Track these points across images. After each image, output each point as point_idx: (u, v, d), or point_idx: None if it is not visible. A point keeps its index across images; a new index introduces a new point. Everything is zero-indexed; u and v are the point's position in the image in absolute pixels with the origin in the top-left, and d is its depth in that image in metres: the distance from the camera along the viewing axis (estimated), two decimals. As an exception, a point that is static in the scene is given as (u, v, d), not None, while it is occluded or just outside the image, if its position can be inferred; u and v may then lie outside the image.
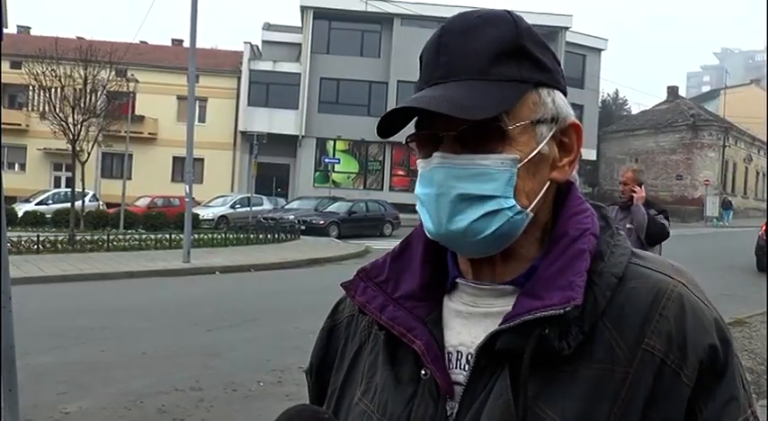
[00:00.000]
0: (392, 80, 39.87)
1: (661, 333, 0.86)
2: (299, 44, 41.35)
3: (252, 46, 41.68)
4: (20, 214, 26.59)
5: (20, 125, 38.05)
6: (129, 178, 31.50)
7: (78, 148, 21.67)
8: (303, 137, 39.54)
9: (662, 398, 0.85)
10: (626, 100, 68.66)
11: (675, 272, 0.94)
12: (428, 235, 0.95)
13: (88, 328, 9.27)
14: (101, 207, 30.46)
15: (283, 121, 39.13)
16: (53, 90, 22.58)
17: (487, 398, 0.88)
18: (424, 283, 0.99)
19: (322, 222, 26.93)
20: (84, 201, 25.49)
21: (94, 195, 32.30)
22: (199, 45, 18.61)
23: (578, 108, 44.32)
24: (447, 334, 0.96)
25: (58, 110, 21.81)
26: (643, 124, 51.26)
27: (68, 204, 23.49)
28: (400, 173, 41.61)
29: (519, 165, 0.90)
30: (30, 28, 43.23)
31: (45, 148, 38.03)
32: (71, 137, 21.35)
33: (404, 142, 0.97)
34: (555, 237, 0.93)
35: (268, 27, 45.43)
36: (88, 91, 22.61)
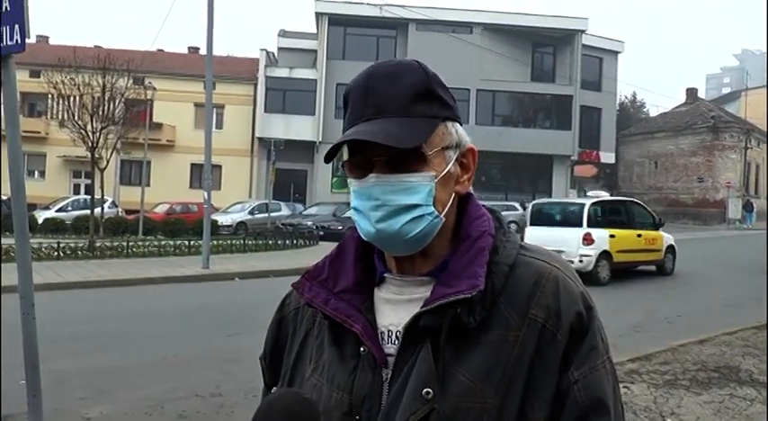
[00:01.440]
0: (408, 85, 39.91)
1: (542, 305, 1.14)
2: (315, 51, 41.46)
3: (268, 53, 41.85)
4: (40, 221, 26.80)
5: (39, 133, 38.45)
6: (148, 185, 31.72)
7: (97, 156, 21.82)
8: (320, 142, 39.60)
9: (544, 353, 1.12)
10: (644, 102, 68.17)
11: (553, 259, 1.21)
12: (365, 238, 1.18)
13: (108, 334, 9.30)
14: (120, 214, 30.66)
15: (300, 128, 39.23)
16: (72, 98, 22.76)
17: (414, 365, 1.12)
18: (358, 279, 1.22)
19: (340, 228, 26.85)
20: (103, 208, 25.64)
21: (113, 202, 32.49)
22: (215, 52, 18.71)
23: (596, 111, 44.08)
24: (378, 317, 1.20)
25: (76, 118, 21.98)
26: (662, 126, 50.86)
27: (88, 211, 23.66)
28: (417, 178, 41.65)
29: (435, 181, 1.15)
30: (48, 37, 43.67)
31: (64, 156, 38.37)
32: (90, 144, 21.51)
33: (340, 167, 1.22)
34: (461, 238, 1.19)
35: (284, 34, 45.62)
36: (106, 99, 22.77)
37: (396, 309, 1.19)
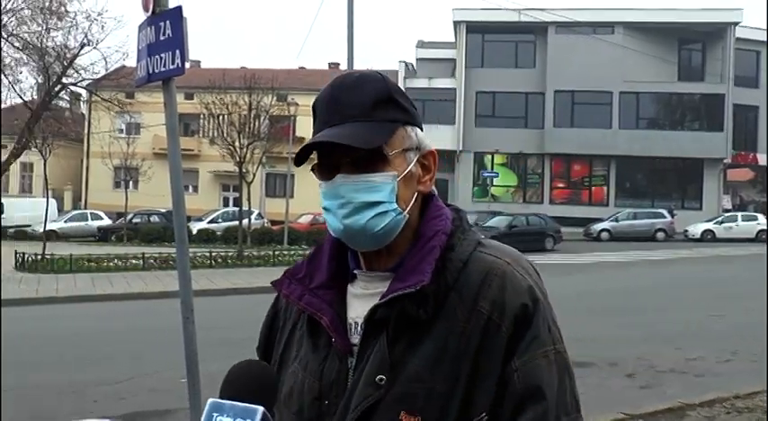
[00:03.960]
0: (549, 90, 39.03)
1: (488, 298, 1.22)
2: (454, 59, 41.51)
3: (406, 64, 42.34)
4: (194, 232, 28.51)
5: (192, 150, 40.89)
6: (292, 196, 32.86)
7: (244, 170, 22.93)
8: (461, 152, 39.57)
9: (488, 344, 1.20)
10: (807, 99, 63.10)
11: (505, 254, 1.30)
12: (334, 234, 1.30)
13: (255, 338, 9.71)
14: (266, 224, 32.04)
15: (440, 137, 39.13)
16: (221, 117, 24.11)
17: (372, 354, 1.22)
18: (332, 276, 1.33)
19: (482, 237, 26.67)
20: (250, 219, 26.88)
21: (260, 213, 33.97)
22: (355, 67, 19.14)
23: (752, 109, 41.14)
24: (349, 311, 1.30)
25: (225, 135, 23.25)
26: (829, 124, 46.75)
27: (236, 222, 24.92)
28: (560, 185, 40.54)
29: (397, 179, 1.26)
30: (200, 61, 46.34)
31: (215, 171, 40.61)
32: (238, 159, 22.65)
33: (310, 169, 1.33)
34: (417, 237, 1.29)
35: (422, 44, 45.99)
36: (252, 116, 23.93)
37: (362, 302, 1.29)
